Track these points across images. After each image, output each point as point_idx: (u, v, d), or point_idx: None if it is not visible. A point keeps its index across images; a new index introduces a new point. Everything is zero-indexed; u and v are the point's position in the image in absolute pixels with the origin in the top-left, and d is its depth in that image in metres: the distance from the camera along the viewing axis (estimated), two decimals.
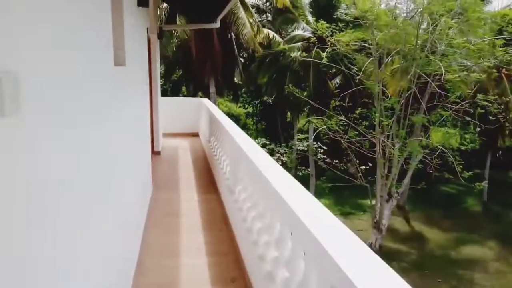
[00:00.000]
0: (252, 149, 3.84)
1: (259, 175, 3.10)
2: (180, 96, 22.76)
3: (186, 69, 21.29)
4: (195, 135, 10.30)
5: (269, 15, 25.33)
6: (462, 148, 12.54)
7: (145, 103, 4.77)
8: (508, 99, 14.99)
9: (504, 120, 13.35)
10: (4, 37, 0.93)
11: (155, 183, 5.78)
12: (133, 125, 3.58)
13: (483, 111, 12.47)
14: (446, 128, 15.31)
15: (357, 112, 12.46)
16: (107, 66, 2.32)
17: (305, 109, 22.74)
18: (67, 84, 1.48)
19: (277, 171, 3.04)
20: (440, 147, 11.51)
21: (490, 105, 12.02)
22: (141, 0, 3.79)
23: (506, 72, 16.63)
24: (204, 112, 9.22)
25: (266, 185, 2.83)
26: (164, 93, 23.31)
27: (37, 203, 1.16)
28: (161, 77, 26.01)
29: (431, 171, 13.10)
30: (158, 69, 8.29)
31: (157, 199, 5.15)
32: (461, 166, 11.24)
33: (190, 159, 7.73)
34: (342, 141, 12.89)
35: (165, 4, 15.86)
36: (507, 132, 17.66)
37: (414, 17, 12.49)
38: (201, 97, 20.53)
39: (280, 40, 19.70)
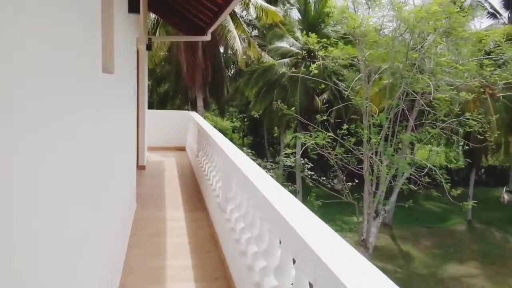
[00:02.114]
0: (245, 163, 3.63)
1: (255, 192, 2.88)
2: (168, 109, 22.44)
3: (173, 82, 21.05)
4: (182, 149, 10.03)
5: (257, 30, 25.49)
6: (450, 166, 12.57)
7: (132, 115, 4.52)
8: (492, 119, 15.20)
9: (488, 139, 13.50)
10: None
11: (139, 200, 5.49)
12: (118, 137, 3.33)
13: (469, 130, 12.57)
14: (430, 146, 15.42)
15: (345, 128, 12.39)
16: (94, 71, 2.10)
17: (292, 124, 22.81)
18: (46, 86, 1.26)
19: (274, 187, 2.83)
20: (428, 165, 11.50)
21: (476, 124, 12.14)
22: (132, 6, 3.59)
23: (490, 91, 16.97)
24: (192, 125, 8.99)
25: (263, 203, 2.61)
26: (150, 106, 23.00)
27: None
28: (148, 90, 25.80)
29: (417, 189, 13.08)
30: (145, 81, 8.06)
31: (141, 218, 4.86)
32: (449, 184, 11.23)
33: (177, 174, 7.45)
34: (330, 157, 12.78)
35: (153, 15, 15.74)
36: (490, 151, 17.89)
37: (402, 35, 12.60)
38: (188, 110, 20.31)
39: (268, 55, 19.74)
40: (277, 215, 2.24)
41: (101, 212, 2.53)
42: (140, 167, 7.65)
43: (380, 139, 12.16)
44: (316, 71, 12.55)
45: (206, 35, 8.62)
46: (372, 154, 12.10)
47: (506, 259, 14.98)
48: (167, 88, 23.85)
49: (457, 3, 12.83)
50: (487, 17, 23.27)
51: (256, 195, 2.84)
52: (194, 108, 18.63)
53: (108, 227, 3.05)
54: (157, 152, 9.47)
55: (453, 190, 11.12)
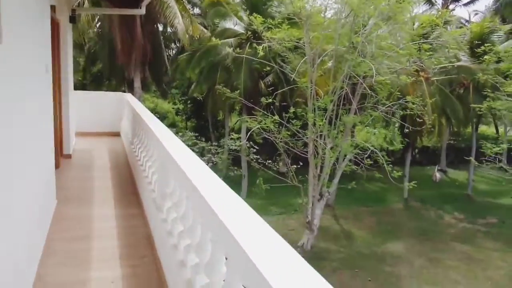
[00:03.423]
0: (185, 156, 3.10)
1: (195, 192, 2.38)
2: (103, 91, 20.83)
3: (108, 61, 19.49)
4: (116, 134, 9.16)
5: (198, 8, 24.39)
6: (392, 148, 12.89)
7: (44, 96, 3.75)
8: (428, 101, 15.83)
9: (426, 121, 14.05)
10: None
11: (62, 195, 4.73)
12: (16, 122, 2.63)
13: (408, 112, 12.93)
14: (370, 128, 15.79)
15: (291, 111, 12.17)
16: None
17: (237, 107, 22.30)
18: None
19: (218, 187, 2.35)
20: (370, 147, 11.66)
21: (415, 107, 12.51)
22: None
23: (425, 75, 17.70)
24: (127, 109, 8.17)
25: (205, 209, 2.13)
26: (83, 87, 21.19)
27: None
28: (81, 70, 23.75)
29: (360, 171, 13.32)
30: (69, 58, 7.08)
31: (61, 217, 4.15)
32: (391, 166, 11.50)
33: (109, 164, 6.68)
34: (276, 141, 12.53)
35: None
36: (425, 132, 18.77)
37: (346, 18, 12.49)
38: (124, 91, 18.97)
39: (210, 34, 18.90)
40: (221, 228, 1.78)
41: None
42: (65, 156, 6.78)
43: (325, 122, 12.10)
44: (262, 53, 12.09)
45: (140, 8, 7.77)
46: (317, 137, 12.02)
47: (440, 234, 15.93)
48: (101, 67, 22.12)
49: None
50: (423, 3, 24.19)
51: (196, 197, 2.34)
52: (131, 89, 17.41)
53: (10, 232, 2.39)
54: (87, 138, 8.54)
55: (394, 171, 11.39)
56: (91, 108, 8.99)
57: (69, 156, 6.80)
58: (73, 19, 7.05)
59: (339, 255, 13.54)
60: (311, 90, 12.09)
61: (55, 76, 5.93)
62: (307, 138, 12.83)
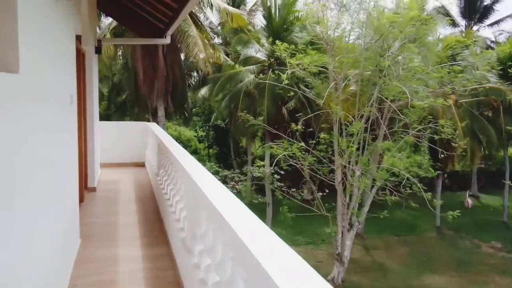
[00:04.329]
0: (219, 194, 2.77)
1: (234, 239, 2.03)
2: (127, 120, 21.05)
3: (133, 91, 19.75)
4: (141, 165, 8.97)
5: (219, 37, 24.72)
6: (427, 175, 12.25)
7: (67, 128, 3.54)
8: (460, 125, 15.21)
9: (459, 145, 13.43)
10: None
11: (86, 232, 4.46)
12: (37, 156, 2.38)
13: (441, 137, 12.36)
14: (400, 154, 15.19)
15: (321, 137, 11.80)
16: None
17: (259, 133, 22.04)
18: None
19: (262, 233, 1.99)
20: (406, 175, 11.10)
21: (449, 131, 11.98)
22: None
23: (453, 98, 17.11)
24: (151, 138, 7.99)
25: (247, 259, 1.78)
26: (107, 117, 21.46)
27: None
28: (105, 100, 24.18)
29: (394, 199, 12.72)
30: (95, 89, 7.00)
31: (85, 258, 3.85)
32: (430, 193, 10.89)
33: (134, 197, 6.42)
34: (303, 168, 12.13)
35: (107, 21, 14.56)
36: (457, 157, 17.99)
37: (374, 41, 12.24)
38: (148, 121, 19.07)
39: (232, 62, 18.98)
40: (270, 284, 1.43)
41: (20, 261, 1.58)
42: (90, 189, 6.56)
43: (353, 148, 11.67)
44: (287, 81, 11.90)
45: (165, 37, 7.73)
46: (348, 164, 11.57)
47: (478, 265, 14.90)
48: (125, 97, 22.46)
49: (424, 11, 12.75)
50: (447, 26, 23.83)
51: (237, 244, 1.98)
52: (155, 118, 17.46)
53: (31, 275, 2.09)
54: (112, 169, 8.37)
55: (434, 200, 10.78)
56: (115, 138, 8.87)
57: (93, 189, 6.58)
58: (98, 49, 7.02)
59: None
60: (340, 115, 11.72)
61: (80, 107, 5.80)
62: (333, 163, 12.38)
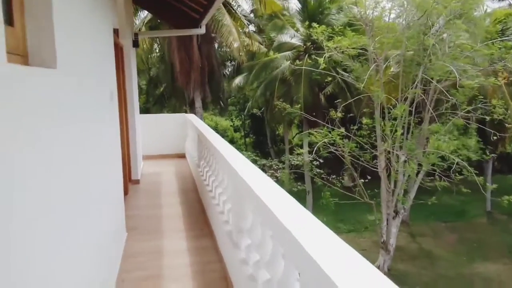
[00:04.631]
0: (264, 185, 2.63)
1: (286, 234, 1.89)
2: (165, 113, 21.41)
3: (170, 83, 20.02)
4: (182, 156, 9.04)
5: (252, 25, 24.45)
6: (479, 158, 11.55)
7: (109, 123, 3.52)
8: (511, 104, 14.19)
9: (509, 125, 12.55)
10: None
11: (131, 225, 4.50)
12: (85, 153, 2.35)
13: (491, 117, 11.58)
14: (446, 136, 14.43)
15: (364, 122, 11.38)
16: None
17: (295, 121, 21.74)
18: None
19: (314, 226, 1.84)
20: (455, 159, 10.51)
21: (494, 111, 11.21)
22: None
23: (504, 76, 15.96)
24: (190, 129, 8.00)
25: (301, 254, 1.63)
26: (146, 110, 21.95)
27: None
28: (143, 93, 24.72)
29: (431, 183, 12.17)
30: (134, 83, 7.05)
31: (132, 252, 3.87)
32: (482, 177, 10.26)
33: (176, 188, 6.45)
34: (344, 155, 11.78)
35: (144, 13, 14.70)
36: (507, 138, 16.87)
37: (416, 19, 11.57)
38: (186, 112, 19.29)
39: (265, 49, 18.71)
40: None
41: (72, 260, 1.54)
42: (134, 182, 6.66)
43: (398, 133, 11.17)
44: (324, 65, 11.51)
45: (200, 27, 7.63)
46: (392, 149, 11.11)
47: None
48: (163, 89, 22.83)
49: None
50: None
51: (287, 239, 1.84)
52: (192, 109, 17.62)
53: (82, 271, 2.07)
54: (154, 161, 8.49)
55: (487, 184, 10.14)
56: (156, 130, 8.97)
57: (137, 182, 6.68)
58: (135, 43, 7.04)
59: (422, 278, 12.28)
60: (380, 99, 11.24)
61: (121, 101, 5.85)
62: (376, 150, 11.94)
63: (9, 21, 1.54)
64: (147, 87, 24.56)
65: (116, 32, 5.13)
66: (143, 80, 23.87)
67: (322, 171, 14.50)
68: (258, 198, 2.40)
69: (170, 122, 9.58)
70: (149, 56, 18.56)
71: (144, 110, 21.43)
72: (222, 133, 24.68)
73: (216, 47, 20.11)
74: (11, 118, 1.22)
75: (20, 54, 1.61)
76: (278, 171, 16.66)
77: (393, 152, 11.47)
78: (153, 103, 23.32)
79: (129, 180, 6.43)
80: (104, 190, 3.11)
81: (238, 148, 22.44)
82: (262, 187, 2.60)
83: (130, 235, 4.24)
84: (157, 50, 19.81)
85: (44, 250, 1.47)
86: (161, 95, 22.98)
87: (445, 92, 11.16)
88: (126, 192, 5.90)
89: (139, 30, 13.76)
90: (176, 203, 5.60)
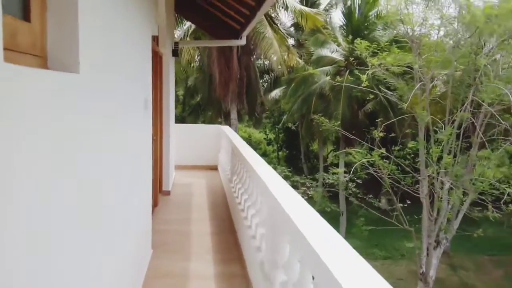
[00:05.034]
0: (304, 214, 2.30)
1: (330, 278, 1.55)
2: (200, 123, 21.51)
3: (206, 93, 20.11)
4: (214, 168, 8.83)
5: (292, 39, 24.29)
6: None
7: (143, 132, 3.31)
8: None
9: None
10: None
11: (158, 241, 4.25)
12: (111, 165, 2.11)
13: None
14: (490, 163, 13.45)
15: (409, 145, 10.77)
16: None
17: (330, 137, 21.13)
18: None
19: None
20: (503, 187, 9.68)
21: None
22: None
23: None
24: (224, 142, 7.78)
25: None
26: (182, 120, 22.15)
27: None
28: (180, 103, 25.03)
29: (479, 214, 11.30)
30: (171, 92, 6.92)
31: (155, 273, 3.60)
32: None
33: (207, 202, 6.20)
34: (383, 177, 11.16)
35: (186, 25, 14.84)
36: None
37: (467, 37, 10.92)
38: (220, 123, 19.26)
39: (304, 63, 18.42)
40: None
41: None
42: (164, 193, 6.48)
43: (449, 159, 10.47)
44: (367, 82, 11.05)
45: (241, 38, 7.46)
46: (437, 174, 10.42)
47: None
48: (199, 99, 22.99)
49: None
50: None
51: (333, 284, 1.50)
52: (227, 120, 17.53)
53: None
54: (185, 172, 8.31)
55: None
56: (189, 140, 8.83)
57: (168, 193, 6.49)
58: (175, 52, 6.94)
59: None
60: (425, 121, 10.60)
61: (156, 110, 5.70)
62: (419, 174, 11.24)
63: (25, 15, 1.31)
64: (183, 97, 24.85)
65: (155, 40, 5.00)
66: (180, 90, 24.18)
67: (358, 191, 13.86)
68: (298, 232, 2.07)
69: (204, 133, 9.42)
70: (188, 66, 18.72)
71: (180, 119, 21.63)
72: (255, 146, 24.45)
73: (255, 59, 20.04)
74: (14, 120, 0.98)
75: (37, 55, 1.38)
76: (311, 189, 16.14)
77: (437, 178, 10.74)
78: (188, 112, 23.53)
79: (159, 191, 6.25)
80: (130, 204, 2.88)
81: (270, 162, 22.10)
82: (302, 216, 2.27)
83: (155, 253, 3.99)
84: (197, 61, 19.98)
85: (63, 271, 1.38)
86: (197, 105, 23.14)
87: (497, 116, 10.38)
88: (155, 204, 5.71)
89: (181, 38, 13.88)
90: (206, 218, 5.32)
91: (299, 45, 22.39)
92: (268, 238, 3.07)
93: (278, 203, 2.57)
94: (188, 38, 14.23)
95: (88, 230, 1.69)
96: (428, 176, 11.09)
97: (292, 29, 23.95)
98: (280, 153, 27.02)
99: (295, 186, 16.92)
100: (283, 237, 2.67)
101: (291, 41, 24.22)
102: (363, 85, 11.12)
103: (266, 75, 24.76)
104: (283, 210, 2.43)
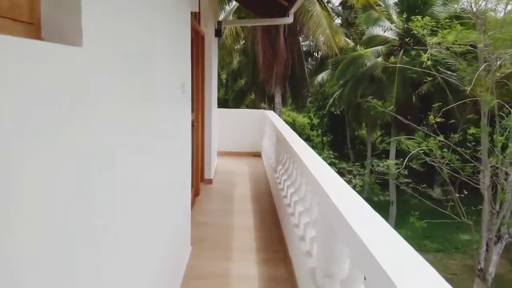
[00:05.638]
0: (362, 216, 1.88)
1: None
2: (243, 107, 21.18)
3: (250, 77, 19.69)
4: (257, 155, 8.48)
5: (340, 17, 23.16)
6: None
7: (180, 118, 2.99)
8: None
9: None
10: None
11: (198, 235, 3.98)
12: (143, 154, 1.81)
13: None
14: None
15: (471, 132, 9.83)
16: None
17: (379, 121, 20.08)
18: None
19: None
20: None
21: None
22: None
23: None
24: (268, 128, 7.37)
25: None
26: (225, 103, 21.92)
27: None
28: (223, 86, 24.81)
29: None
30: (214, 75, 6.58)
31: (195, 272, 3.32)
32: None
33: (250, 192, 5.86)
34: (442, 167, 10.29)
35: (232, 4, 14.38)
36: None
37: None
38: (264, 108, 18.83)
39: (353, 44, 17.42)
40: None
41: None
42: (206, 181, 6.22)
43: (508, 146, 9.43)
44: (429, 62, 10.10)
45: (288, 16, 6.91)
46: (501, 165, 9.44)
47: None
48: (243, 83, 22.61)
49: None
50: None
51: None
52: (271, 104, 17.07)
53: None
54: (228, 159, 8.04)
55: None
56: (232, 126, 8.52)
57: (210, 182, 6.22)
58: (218, 32, 6.56)
59: None
60: (490, 105, 9.56)
61: (198, 94, 5.39)
62: (480, 164, 10.26)
63: None
64: (227, 80, 24.59)
65: (196, 17, 4.63)
66: (223, 73, 23.91)
67: (410, 181, 12.99)
68: (360, 241, 1.65)
69: (247, 118, 9.05)
70: (234, 48, 18.34)
71: (223, 103, 21.41)
72: (300, 131, 23.80)
73: (301, 41, 19.27)
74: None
75: (28, 21, 1.03)
76: (357, 177, 15.42)
77: (501, 168, 9.74)
78: (232, 96, 23.26)
79: (201, 180, 5.99)
80: (167, 198, 2.58)
81: (315, 147, 21.40)
82: (360, 220, 1.86)
83: (195, 249, 3.71)
84: (242, 42, 19.52)
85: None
86: (241, 89, 22.79)
87: None
88: (197, 193, 5.47)
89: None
90: (249, 211, 4.99)
91: (348, 24, 21.27)
92: (320, 243, 2.65)
93: (334, 205, 2.14)
94: (232, 17, 13.80)
95: (125, 228, 1.55)
96: (491, 166, 10.10)
97: (340, 7, 22.78)
98: (324, 138, 26.21)
99: (341, 173, 16.26)
100: (340, 246, 2.25)
101: (338, 21, 23.12)
102: (424, 65, 10.18)
103: (310, 58, 23.89)
104: (340, 213, 2.00)
